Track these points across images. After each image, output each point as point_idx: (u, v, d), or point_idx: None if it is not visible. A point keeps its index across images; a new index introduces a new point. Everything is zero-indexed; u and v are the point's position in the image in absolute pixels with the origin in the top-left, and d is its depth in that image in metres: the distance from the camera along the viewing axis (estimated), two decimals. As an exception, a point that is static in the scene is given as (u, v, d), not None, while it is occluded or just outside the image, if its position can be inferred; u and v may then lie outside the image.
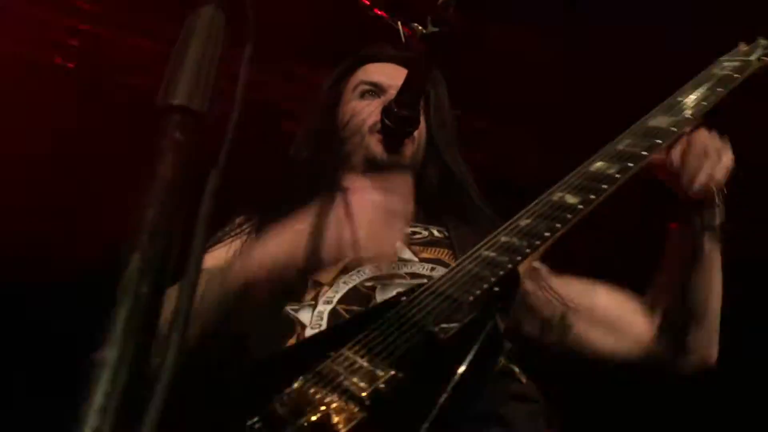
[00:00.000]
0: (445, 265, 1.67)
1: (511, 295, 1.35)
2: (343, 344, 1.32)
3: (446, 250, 1.74)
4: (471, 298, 1.30)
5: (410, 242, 1.74)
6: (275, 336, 1.58)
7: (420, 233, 1.79)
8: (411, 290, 1.42)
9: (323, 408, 1.19)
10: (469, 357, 1.21)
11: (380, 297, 1.60)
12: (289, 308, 1.61)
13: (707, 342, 1.75)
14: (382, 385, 1.20)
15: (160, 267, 0.71)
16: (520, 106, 3.77)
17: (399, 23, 1.73)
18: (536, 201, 1.46)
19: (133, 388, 0.64)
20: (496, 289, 1.32)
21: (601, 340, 1.79)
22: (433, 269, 1.68)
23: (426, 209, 1.90)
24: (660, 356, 1.77)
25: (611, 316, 1.81)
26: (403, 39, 1.88)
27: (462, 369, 1.19)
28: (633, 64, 3.47)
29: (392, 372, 1.22)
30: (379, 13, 1.71)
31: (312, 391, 1.24)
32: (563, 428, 1.59)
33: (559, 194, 1.45)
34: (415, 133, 1.88)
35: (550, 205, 1.44)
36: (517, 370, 1.57)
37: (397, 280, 1.63)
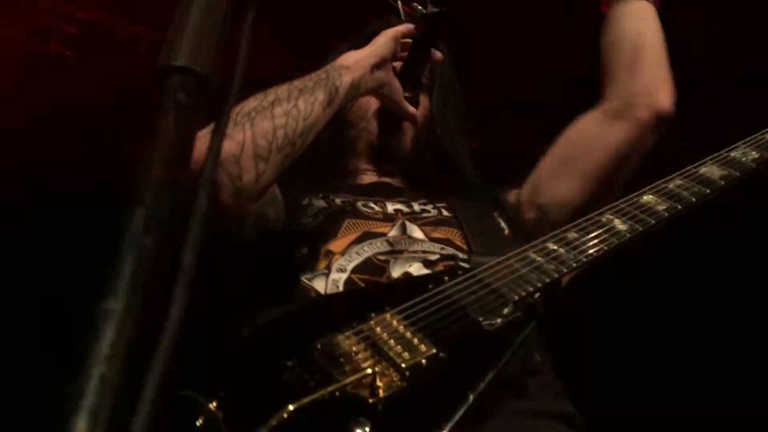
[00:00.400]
0: (454, 245, 1.71)
1: (551, 303, 1.41)
2: (382, 308, 1.36)
3: (455, 230, 1.77)
4: (516, 297, 1.37)
5: (418, 221, 1.77)
6: (291, 302, 1.61)
7: (429, 212, 1.82)
8: (454, 270, 1.48)
9: (368, 369, 1.21)
10: (508, 354, 1.27)
11: (394, 271, 1.63)
12: (303, 278, 1.64)
13: (652, 81, 1.84)
14: (423, 361, 1.24)
15: (164, 222, 0.71)
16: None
17: (399, 2, 1.73)
18: (586, 217, 1.55)
19: (140, 339, 0.64)
20: (538, 295, 1.39)
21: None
22: (443, 249, 1.71)
23: (427, 188, 1.92)
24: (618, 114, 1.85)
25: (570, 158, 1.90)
26: (403, 18, 1.88)
27: (501, 364, 1.25)
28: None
29: (434, 350, 1.26)
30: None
31: (354, 348, 1.26)
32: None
33: (609, 216, 1.54)
34: (417, 113, 1.90)
35: (599, 225, 1.52)
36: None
37: (408, 255, 1.66)
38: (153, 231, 0.70)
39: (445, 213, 1.83)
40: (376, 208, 1.78)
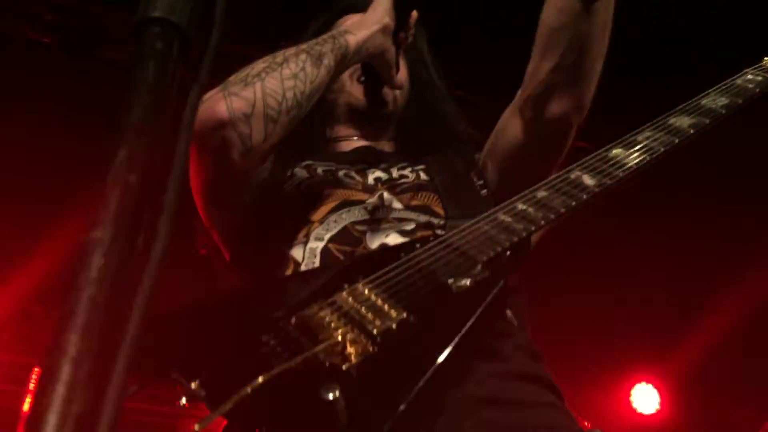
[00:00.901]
0: (432, 212, 1.73)
1: (520, 261, 1.43)
2: (356, 279, 1.38)
3: (432, 195, 1.79)
4: (485, 258, 1.38)
5: (397, 189, 1.80)
6: (271, 274, 1.65)
7: (407, 177, 1.84)
8: (424, 238, 1.50)
9: (339, 336, 1.25)
10: (477, 313, 1.29)
11: (371, 242, 1.66)
12: (283, 246, 1.67)
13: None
14: (394, 326, 1.26)
15: (146, 160, 0.74)
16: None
17: None
18: (555, 175, 1.55)
19: (126, 268, 0.67)
20: (508, 253, 1.40)
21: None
22: (419, 216, 1.74)
23: (407, 149, 1.95)
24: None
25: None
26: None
27: (469, 323, 1.26)
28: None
29: (404, 314, 1.29)
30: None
31: (327, 318, 1.29)
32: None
33: (577, 173, 1.53)
34: (398, 77, 1.93)
35: (568, 182, 1.52)
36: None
37: (384, 225, 1.69)
38: (136, 169, 0.72)
39: (422, 176, 1.85)
40: (357, 178, 1.81)
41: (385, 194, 1.77)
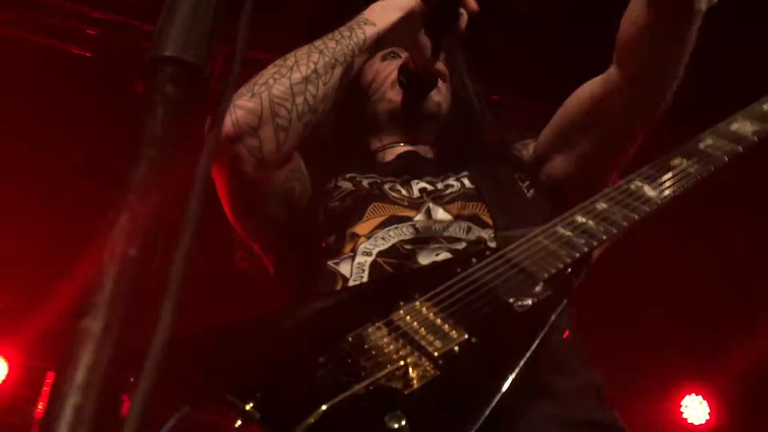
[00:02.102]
0: (480, 221, 1.69)
1: (582, 277, 1.37)
2: (411, 295, 1.33)
3: (480, 204, 1.74)
4: (546, 275, 1.32)
5: (444, 200, 1.74)
6: (318, 289, 1.61)
7: (452, 186, 1.78)
8: (481, 252, 1.45)
9: (400, 361, 1.19)
10: (541, 335, 1.23)
11: (421, 259, 1.60)
12: (330, 262, 1.62)
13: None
14: (456, 348, 1.21)
15: (149, 228, 0.63)
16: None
17: None
18: (613, 186, 1.48)
19: (120, 362, 0.56)
20: (570, 270, 1.34)
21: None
22: (469, 229, 1.68)
23: (448, 155, 1.85)
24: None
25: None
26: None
27: (534, 346, 1.20)
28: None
29: (466, 335, 1.23)
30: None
31: (386, 339, 1.24)
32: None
33: (638, 183, 1.46)
34: (440, 85, 1.81)
35: (629, 194, 1.45)
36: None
37: (434, 245, 1.63)
38: (137, 239, 0.61)
39: (468, 185, 1.78)
40: (403, 192, 1.76)
41: (431, 205, 1.72)
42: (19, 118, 4.27)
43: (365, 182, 1.76)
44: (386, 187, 1.75)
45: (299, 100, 1.53)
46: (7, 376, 4.95)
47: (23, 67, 4.22)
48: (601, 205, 1.43)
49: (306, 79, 1.54)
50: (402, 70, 1.85)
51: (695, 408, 5.99)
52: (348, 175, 1.78)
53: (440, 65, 1.79)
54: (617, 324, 5.28)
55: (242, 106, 1.51)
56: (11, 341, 4.91)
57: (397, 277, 1.54)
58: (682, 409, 6.01)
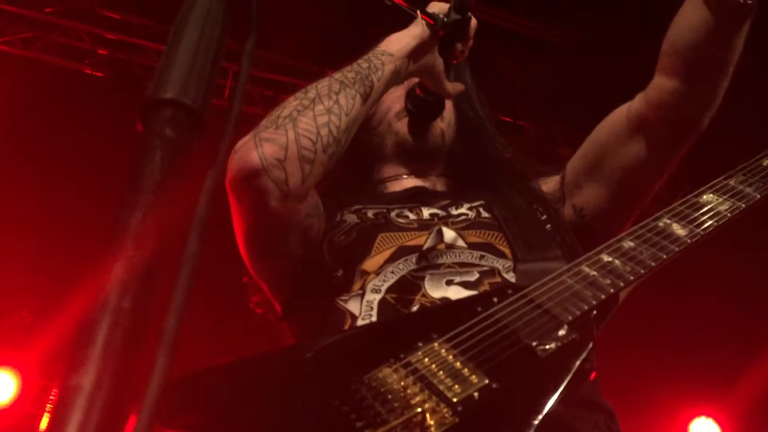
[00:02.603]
0: (495, 250, 1.65)
1: (606, 319, 1.33)
2: (430, 335, 1.29)
3: (496, 233, 1.70)
4: (570, 318, 1.28)
5: (457, 226, 1.71)
6: (327, 328, 1.57)
7: (465, 214, 1.75)
8: (503, 290, 1.41)
9: (417, 408, 1.15)
10: (566, 380, 1.19)
11: (429, 286, 1.57)
12: (338, 299, 1.59)
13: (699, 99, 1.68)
14: (476, 394, 1.17)
15: (146, 277, 0.62)
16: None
17: (418, 11, 1.64)
18: (640, 224, 1.44)
19: (111, 420, 0.54)
20: (595, 313, 1.30)
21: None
22: (482, 257, 1.65)
23: (460, 187, 1.82)
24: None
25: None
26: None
27: (558, 392, 1.17)
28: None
29: (486, 381, 1.19)
30: (397, 1, 1.62)
31: (402, 383, 1.20)
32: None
33: (666, 221, 1.43)
34: (444, 113, 1.85)
35: (656, 232, 1.41)
36: None
37: (444, 271, 1.60)
38: (131, 290, 0.60)
39: (483, 214, 1.75)
40: (411, 216, 1.73)
41: (443, 228, 1.68)
42: (31, 135, 4.30)
43: (370, 213, 1.74)
44: (393, 214, 1.72)
45: (324, 131, 1.51)
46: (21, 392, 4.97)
47: (36, 85, 4.25)
48: (628, 244, 1.39)
49: (329, 111, 1.53)
50: (409, 96, 1.83)
51: None
52: (353, 208, 1.75)
53: (454, 85, 1.78)
54: (623, 339, 5.23)
55: (268, 139, 1.49)
56: (25, 356, 4.93)
57: (415, 316, 1.50)
58: (690, 433, 5.89)
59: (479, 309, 1.33)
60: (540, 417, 1.11)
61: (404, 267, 1.60)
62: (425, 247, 1.64)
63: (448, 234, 1.66)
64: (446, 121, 1.90)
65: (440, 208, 1.75)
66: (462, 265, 1.60)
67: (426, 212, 1.73)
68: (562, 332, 1.24)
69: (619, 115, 1.73)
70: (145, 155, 0.71)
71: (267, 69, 4.70)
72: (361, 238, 1.66)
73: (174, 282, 0.69)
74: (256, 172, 1.47)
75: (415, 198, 1.79)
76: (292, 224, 1.59)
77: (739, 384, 5.44)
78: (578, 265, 1.37)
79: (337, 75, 1.60)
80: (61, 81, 4.28)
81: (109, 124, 4.01)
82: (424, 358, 1.24)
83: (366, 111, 1.62)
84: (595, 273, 1.34)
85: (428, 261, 1.60)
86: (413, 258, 1.62)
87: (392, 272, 1.59)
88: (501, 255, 1.63)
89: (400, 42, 1.66)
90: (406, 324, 1.43)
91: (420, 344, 1.26)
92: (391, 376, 1.20)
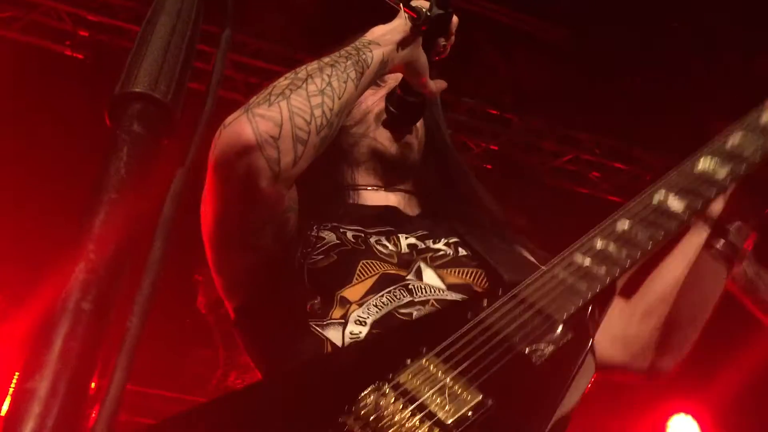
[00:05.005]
0: (473, 293, 1.59)
1: (605, 312, 1.25)
2: (419, 349, 1.23)
3: (474, 271, 1.65)
4: (565, 315, 1.21)
5: (436, 263, 1.65)
6: (301, 351, 1.50)
7: (442, 251, 1.70)
8: (492, 293, 1.33)
9: None
10: (566, 387, 1.13)
11: None
12: (312, 323, 1.51)
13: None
14: (470, 413, 1.12)
15: (107, 280, 0.60)
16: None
17: (401, 5, 1.61)
18: (634, 199, 1.34)
19: (67, 426, 0.53)
20: (592, 306, 1.22)
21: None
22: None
23: (432, 210, 1.78)
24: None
25: None
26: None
27: (559, 401, 1.11)
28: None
29: (480, 397, 1.14)
30: (378, -6, 1.60)
31: (392, 407, 1.15)
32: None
33: (662, 195, 1.32)
34: (418, 131, 1.79)
35: (652, 209, 1.31)
36: None
37: (430, 309, 1.53)
38: (92, 291, 0.59)
39: (461, 251, 1.69)
40: (390, 246, 1.67)
41: (422, 265, 1.62)
42: (8, 117, 4.24)
43: (350, 234, 1.67)
44: (372, 240, 1.66)
45: (318, 112, 1.47)
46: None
47: (15, 66, 4.19)
48: (622, 225, 1.29)
49: (322, 92, 1.48)
50: (390, 97, 1.75)
51: (684, 429, 5.89)
52: (330, 225, 1.68)
53: (436, 82, 1.75)
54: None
55: (263, 115, 1.43)
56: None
57: (401, 329, 1.44)
58: (668, 430, 5.91)
59: (468, 315, 1.27)
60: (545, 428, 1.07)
61: (388, 301, 1.54)
62: (408, 278, 1.58)
63: (426, 273, 1.61)
64: (419, 138, 1.83)
65: (418, 238, 1.70)
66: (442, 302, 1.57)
67: (404, 242, 1.68)
68: (558, 332, 1.18)
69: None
70: (111, 151, 0.70)
71: (250, 55, 4.67)
72: (342, 263, 1.59)
73: (138, 283, 0.68)
74: (249, 148, 1.41)
75: (391, 221, 1.74)
76: (273, 215, 1.55)
77: (717, 380, 5.47)
78: (571, 254, 1.29)
79: (326, 59, 1.56)
80: (40, 62, 4.22)
81: (89, 107, 3.95)
82: (413, 378, 1.18)
83: (356, 97, 1.58)
84: (588, 262, 1.26)
85: (414, 298, 1.53)
86: (397, 291, 1.55)
87: (376, 306, 1.53)
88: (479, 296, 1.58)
89: (384, 33, 1.63)
90: (394, 339, 1.37)
91: (408, 361, 1.21)
92: (380, 401, 1.16)
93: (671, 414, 5.93)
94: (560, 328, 1.18)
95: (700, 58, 3.99)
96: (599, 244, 1.27)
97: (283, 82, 1.51)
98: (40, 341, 0.55)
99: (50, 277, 0.63)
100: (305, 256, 1.58)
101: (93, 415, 0.56)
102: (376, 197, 1.78)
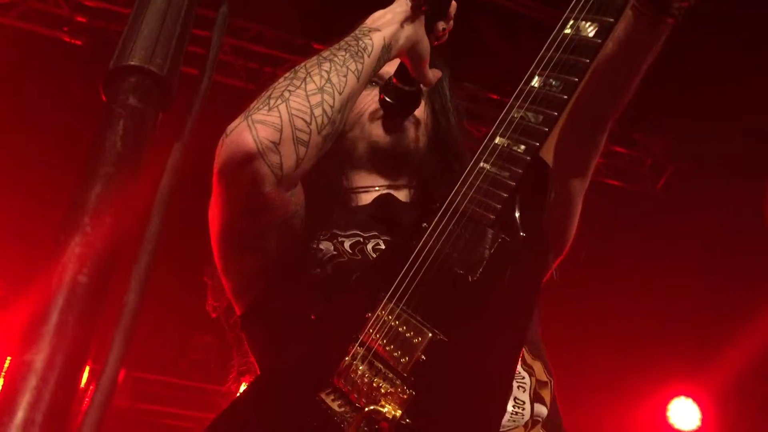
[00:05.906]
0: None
1: (548, 197, 1.18)
2: (378, 296, 1.23)
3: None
4: (492, 216, 1.16)
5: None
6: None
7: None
8: (428, 212, 1.29)
9: (374, 394, 1.13)
10: (507, 293, 1.11)
11: None
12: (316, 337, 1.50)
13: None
14: (422, 357, 1.13)
15: (103, 253, 0.59)
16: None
17: None
18: (548, 41, 1.26)
19: (64, 399, 0.53)
20: (522, 194, 1.16)
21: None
22: None
23: (432, 194, 1.76)
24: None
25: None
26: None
27: (504, 308, 1.11)
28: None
29: (430, 335, 1.13)
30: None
31: (360, 371, 1.17)
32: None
33: (572, 27, 1.25)
34: (421, 120, 1.78)
35: (565, 46, 1.23)
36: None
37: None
38: (89, 264, 0.58)
39: None
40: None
41: None
42: (6, 103, 4.23)
43: (347, 244, 1.64)
44: (369, 247, 1.63)
45: (318, 111, 1.45)
46: None
47: (12, 52, 4.17)
48: (535, 83, 1.21)
49: (321, 90, 1.47)
50: (385, 88, 1.73)
51: (684, 413, 5.89)
52: (329, 233, 1.65)
53: (433, 71, 1.72)
54: (597, 322, 5.24)
55: (262, 121, 1.42)
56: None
57: (361, 279, 1.42)
58: (669, 414, 5.92)
59: (413, 243, 1.26)
60: (496, 354, 1.08)
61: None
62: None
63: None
64: (421, 128, 1.82)
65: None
66: None
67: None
68: (489, 237, 1.14)
69: None
70: (107, 125, 0.69)
71: (250, 40, 4.64)
72: (338, 273, 1.57)
73: (136, 257, 0.67)
74: (250, 156, 1.41)
75: (386, 213, 1.71)
76: (277, 217, 1.53)
77: (717, 363, 5.48)
78: (492, 137, 1.23)
79: (325, 53, 1.55)
80: (37, 48, 4.20)
81: (87, 93, 3.94)
82: (373, 332, 1.20)
83: (359, 90, 1.55)
84: (505, 141, 1.19)
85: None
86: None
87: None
88: None
89: (385, 17, 1.61)
90: (357, 292, 1.36)
91: (368, 315, 1.22)
92: (352, 363, 1.19)
93: (672, 397, 5.94)
94: (490, 233, 1.14)
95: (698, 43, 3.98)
96: (516, 115, 1.21)
97: (282, 83, 1.50)
98: (37, 314, 0.55)
99: (47, 253, 0.63)
100: (304, 269, 1.57)
101: (90, 389, 0.56)
102: (373, 196, 1.75)
